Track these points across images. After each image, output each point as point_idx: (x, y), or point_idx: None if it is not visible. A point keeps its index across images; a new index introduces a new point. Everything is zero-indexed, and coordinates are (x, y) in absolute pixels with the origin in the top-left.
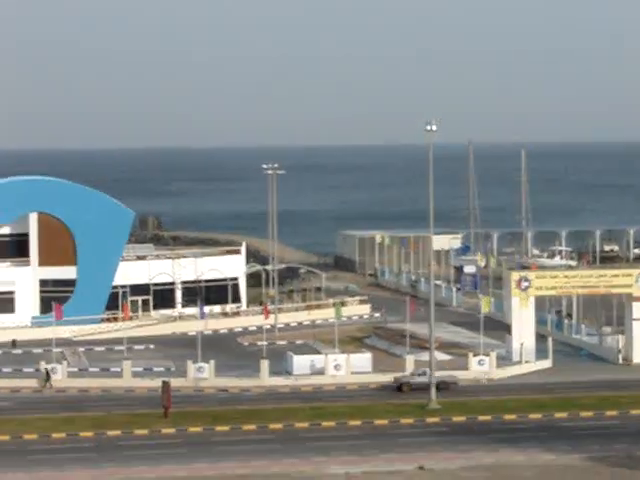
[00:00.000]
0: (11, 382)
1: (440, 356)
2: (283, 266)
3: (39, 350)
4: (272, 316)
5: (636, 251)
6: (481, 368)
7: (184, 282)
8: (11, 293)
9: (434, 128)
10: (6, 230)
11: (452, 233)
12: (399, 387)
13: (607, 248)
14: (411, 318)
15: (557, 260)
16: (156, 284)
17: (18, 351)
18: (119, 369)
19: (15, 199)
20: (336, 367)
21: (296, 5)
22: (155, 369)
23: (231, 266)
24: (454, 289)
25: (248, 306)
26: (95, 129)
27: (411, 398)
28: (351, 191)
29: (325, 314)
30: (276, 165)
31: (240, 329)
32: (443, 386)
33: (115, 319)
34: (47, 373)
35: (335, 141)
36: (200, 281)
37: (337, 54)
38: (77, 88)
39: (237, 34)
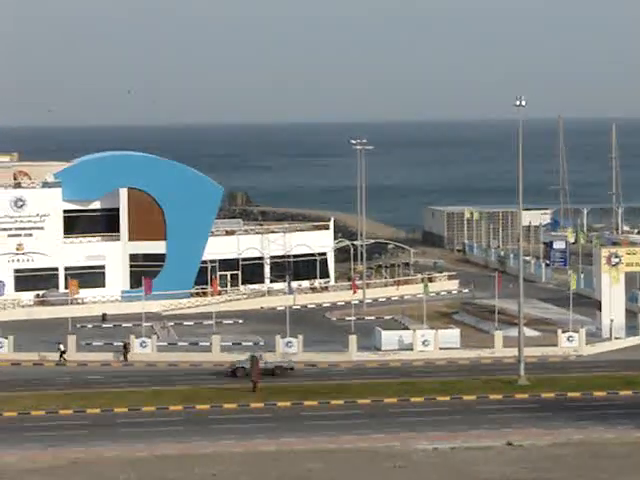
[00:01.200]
0: (101, 356)
1: (529, 332)
2: (371, 241)
3: (129, 324)
4: (360, 291)
5: None
6: (570, 344)
7: (273, 257)
8: (101, 267)
9: (524, 103)
10: (97, 205)
11: (542, 209)
12: (233, 372)
13: None
14: (499, 294)
15: None
16: (245, 259)
17: (108, 325)
18: (208, 343)
19: (105, 174)
20: (424, 343)
21: None
22: (244, 344)
23: (320, 241)
24: (543, 265)
25: (336, 281)
26: (184, 104)
27: (499, 374)
28: (443, 165)
29: (413, 289)
30: (364, 140)
31: (328, 304)
32: (279, 371)
33: (204, 294)
34: (125, 346)
35: (428, 116)
36: (289, 256)
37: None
38: (179, 64)
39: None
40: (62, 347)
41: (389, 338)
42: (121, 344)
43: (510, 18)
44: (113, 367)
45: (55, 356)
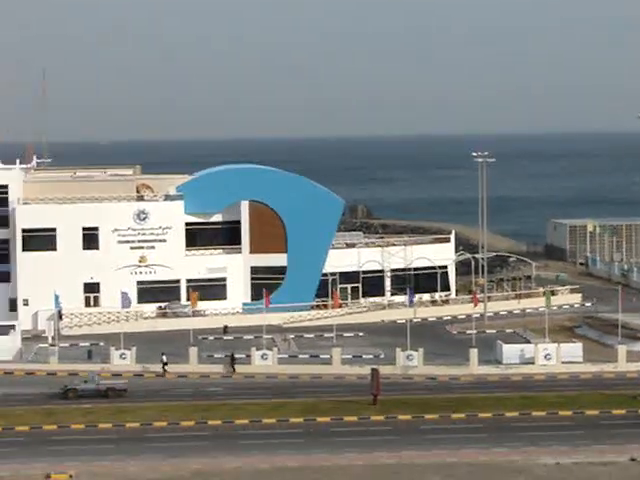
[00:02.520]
0: (223, 368)
1: None
2: (493, 254)
3: (250, 336)
4: (481, 304)
5: None
6: None
7: (393, 270)
8: (223, 280)
9: None
10: (218, 218)
11: None
12: (64, 393)
13: None
14: (623, 308)
15: None
16: (365, 272)
17: (229, 337)
18: (329, 356)
19: (227, 187)
20: (546, 356)
21: None
22: (364, 356)
23: (440, 254)
24: None
25: (457, 294)
26: (306, 117)
27: (623, 388)
28: (564, 178)
29: (535, 303)
30: (486, 153)
31: (449, 317)
32: (111, 393)
33: (325, 306)
34: (232, 358)
35: (545, 128)
36: (409, 269)
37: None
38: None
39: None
40: (165, 359)
41: (511, 352)
42: (228, 355)
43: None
44: (234, 379)
45: (157, 367)
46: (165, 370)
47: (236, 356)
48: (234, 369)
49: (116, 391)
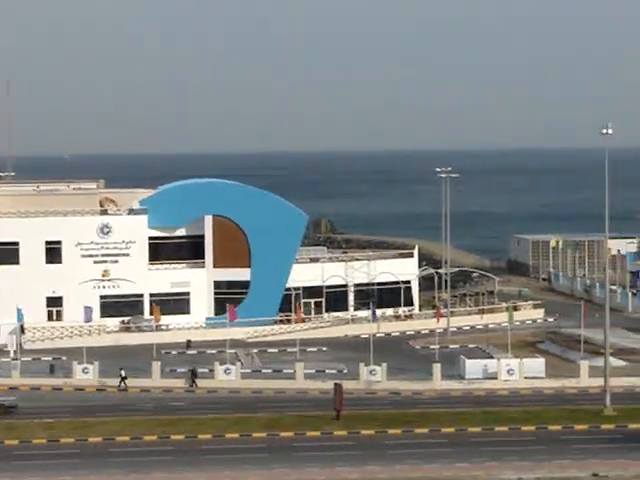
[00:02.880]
0: (184, 383)
1: (615, 362)
2: (456, 269)
3: (213, 351)
4: (444, 319)
5: None
6: None
7: (357, 285)
8: (186, 294)
9: (610, 132)
10: (182, 232)
11: (628, 237)
12: None
13: None
14: (585, 323)
15: None
16: (329, 286)
17: (193, 352)
18: (292, 371)
19: (191, 202)
20: (509, 372)
21: None
22: (328, 371)
23: (404, 269)
24: (630, 294)
25: (420, 309)
26: (269, 131)
27: (585, 404)
28: (528, 194)
29: (498, 318)
30: (450, 168)
31: (412, 332)
32: (1, 410)
33: (288, 321)
34: (193, 373)
35: (512, 144)
36: (373, 284)
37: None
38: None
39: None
40: (123, 373)
41: (473, 367)
42: (189, 370)
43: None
44: (197, 394)
45: (116, 382)
46: (124, 385)
47: (198, 371)
48: (195, 384)
49: (5, 408)
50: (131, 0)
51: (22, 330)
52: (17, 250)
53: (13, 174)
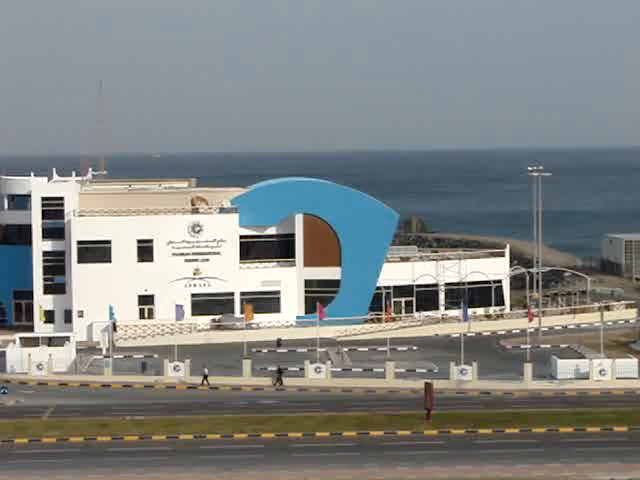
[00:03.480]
0: (271, 381)
1: None
2: (547, 269)
3: (303, 350)
4: (536, 319)
5: None
6: None
7: (447, 284)
8: (277, 293)
9: None
10: (273, 231)
11: None
12: None
13: None
14: None
15: None
16: (419, 285)
17: (283, 350)
18: (382, 370)
19: (282, 201)
20: (601, 372)
21: None
22: (418, 370)
23: (495, 268)
24: None
25: (511, 309)
26: (365, 131)
27: None
28: (620, 192)
29: (590, 318)
30: (541, 167)
31: (503, 332)
32: None
33: (378, 320)
34: (279, 370)
35: (600, 143)
36: (464, 283)
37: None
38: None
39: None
40: (206, 371)
41: (565, 367)
42: (276, 370)
43: None
44: (288, 392)
45: (198, 380)
46: (207, 382)
47: (283, 369)
48: (281, 382)
49: None
50: None
51: (114, 328)
52: (109, 249)
53: (105, 173)
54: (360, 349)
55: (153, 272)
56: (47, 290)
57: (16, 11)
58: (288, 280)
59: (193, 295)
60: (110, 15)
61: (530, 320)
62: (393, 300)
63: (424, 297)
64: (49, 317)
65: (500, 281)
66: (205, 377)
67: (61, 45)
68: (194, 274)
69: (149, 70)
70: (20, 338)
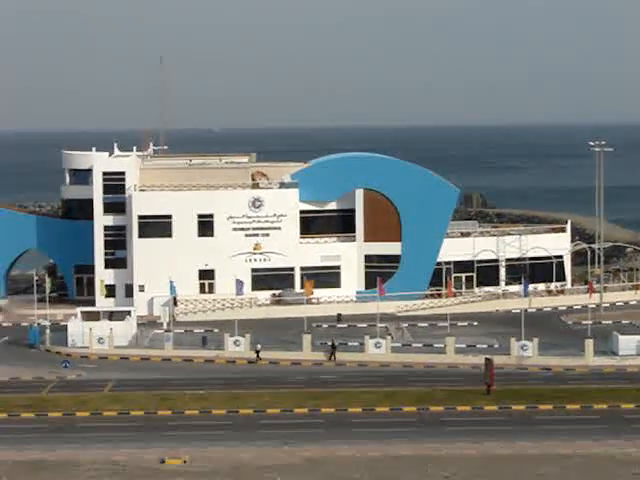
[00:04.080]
0: (337, 355)
1: None
2: (609, 244)
3: (363, 325)
4: (597, 295)
5: None
6: None
7: (508, 259)
8: (337, 268)
9: None
10: (333, 206)
11: None
12: None
13: None
14: None
15: None
16: (480, 261)
17: (343, 325)
18: (442, 345)
19: (342, 176)
20: None
21: None
22: (478, 346)
23: (556, 244)
24: None
25: (573, 284)
26: (416, 105)
27: None
28: None
29: None
30: (604, 142)
31: (564, 307)
32: None
33: (439, 295)
34: (333, 345)
35: None
36: (525, 259)
37: None
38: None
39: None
40: (259, 347)
41: (627, 343)
42: (329, 344)
43: None
44: (348, 367)
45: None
46: (259, 357)
47: (337, 344)
48: (335, 357)
49: None
50: None
51: (175, 302)
52: (170, 223)
53: (166, 147)
54: (420, 324)
55: (213, 247)
56: (108, 264)
57: None
58: (348, 255)
59: (253, 270)
60: None
61: (591, 296)
62: (454, 275)
63: (485, 272)
64: (110, 291)
65: (561, 257)
66: (258, 352)
67: (121, 19)
68: (254, 249)
69: (207, 48)
70: (81, 312)
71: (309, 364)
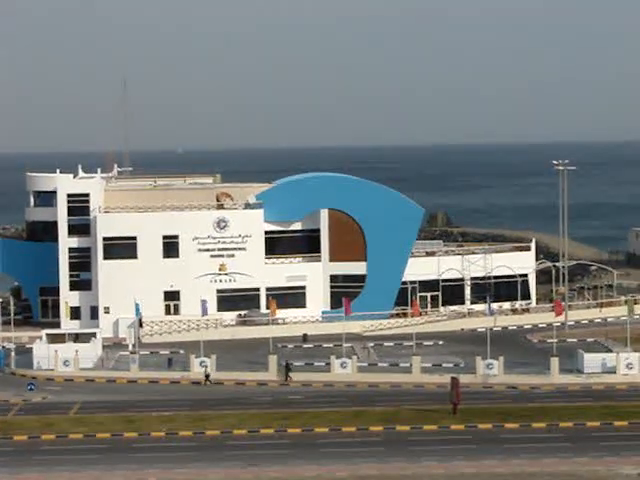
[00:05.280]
0: (302, 376)
1: None
2: (573, 263)
3: (329, 345)
4: (562, 313)
5: None
6: None
7: (473, 278)
8: (302, 288)
9: None
10: (298, 226)
11: None
12: None
13: None
14: None
15: None
16: (445, 280)
17: (309, 345)
18: (408, 364)
19: (307, 196)
20: (628, 366)
21: None
22: (444, 365)
23: (521, 262)
24: None
25: (538, 303)
26: (389, 125)
27: None
28: None
29: (617, 312)
30: (567, 161)
31: (529, 326)
32: None
33: (404, 315)
34: (287, 366)
35: (625, 136)
36: (490, 277)
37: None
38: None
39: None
40: (208, 370)
41: (592, 361)
42: (284, 364)
43: None
44: (314, 387)
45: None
46: (209, 381)
47: (292, 365)
48: (290, 377)
49: None
50: None
51: (140, 324)
52: (135, 245)
53: (131, 169)
54: (386, 344)
55: (179, 268)
56: (73, 286)
57: (31, 9)
58: (314, 275)
59: (219, 291)
60: (127, 11)
61: (559, 314)
62: (419, 295)
63: (450, 291)
64: (75, 313)
65: (526, 275)
66: (207, 376)
67: (82, 41)
68: (220, 270)
69: (167, 67)
70: (47, 334)
71: (275, 385)
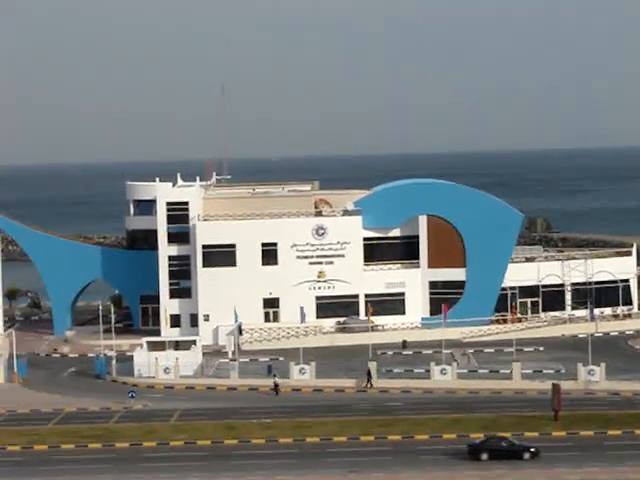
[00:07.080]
0: (403, 383)
1: None
2: None
3: (429, 351)
4: None
5: None
6: None
7: (574, 284)
8: (401, 295)
9: None
10: (396, 232)
11: None
12: None
13: None
14: None
15: None
16: (545, 286)
17: (408, 352)
18: (508, 371)
19: (405, 202)
20: None
21: None
22: (545, 371)
23: (622, 267)
24: None
25: (639, 308)
26: (487, 131)
27: None
28: None
29: None
30: None
31: (631, 332)
32: None
33: (504, 321)
34: (369, 372)
35: None
36: (590, 283)
37: None
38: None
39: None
40: (277, 380)
41: None
42: (366, 370)
43: None
44: (413, 394)
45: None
46: (370, 382)
47: (373, 371)
48: (371, 384)
49: None
50: None
51: (240, 331)
52: (234, 252)
53: (229, 177)
54: (486, 350)
55: (277, 275)
56: (173, 294)
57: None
58: (412, 282)
59: (317, 298)
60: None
61: None
62: (519, 301)
63: (550, 297)
64: (175, 321)
65: (627, 280)
66: (276, 385)
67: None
68: (318, 276)
69: (268, 74)
70: (147, 342)
71: (375, 391)
